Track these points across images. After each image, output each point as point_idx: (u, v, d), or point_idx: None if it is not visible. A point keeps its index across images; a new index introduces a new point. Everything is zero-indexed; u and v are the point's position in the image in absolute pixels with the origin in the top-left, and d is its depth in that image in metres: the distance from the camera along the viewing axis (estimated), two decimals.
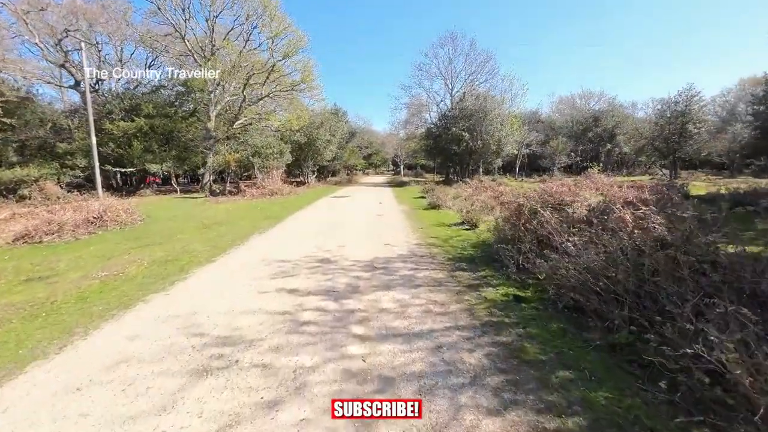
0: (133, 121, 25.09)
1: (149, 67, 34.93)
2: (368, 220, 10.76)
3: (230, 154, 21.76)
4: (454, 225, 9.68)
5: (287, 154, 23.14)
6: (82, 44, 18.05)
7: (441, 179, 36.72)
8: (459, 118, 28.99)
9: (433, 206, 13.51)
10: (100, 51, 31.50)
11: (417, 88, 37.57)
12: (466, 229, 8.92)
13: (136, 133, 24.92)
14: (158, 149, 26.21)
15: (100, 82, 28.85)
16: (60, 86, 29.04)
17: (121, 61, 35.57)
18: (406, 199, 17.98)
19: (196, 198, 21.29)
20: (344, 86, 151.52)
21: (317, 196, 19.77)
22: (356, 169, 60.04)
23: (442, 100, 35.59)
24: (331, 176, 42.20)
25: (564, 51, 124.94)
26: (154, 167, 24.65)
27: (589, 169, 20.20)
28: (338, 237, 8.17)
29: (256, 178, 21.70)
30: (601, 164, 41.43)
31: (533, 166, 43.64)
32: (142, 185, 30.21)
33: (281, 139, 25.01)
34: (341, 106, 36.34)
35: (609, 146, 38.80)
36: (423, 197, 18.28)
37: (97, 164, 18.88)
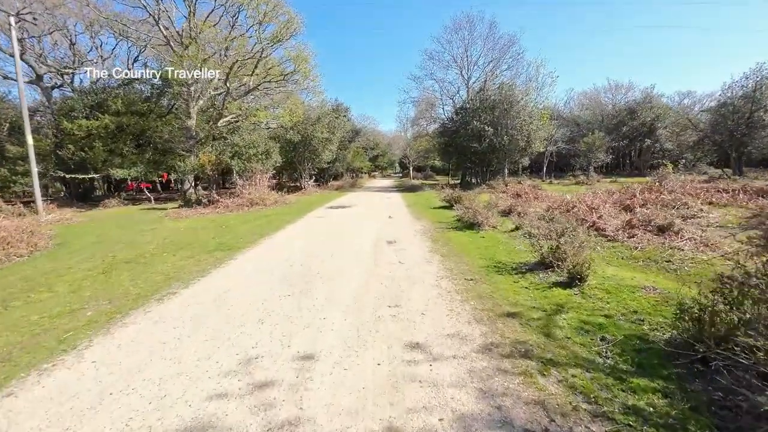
0: (97, 119, 21.35)
1: (135, 61, 31.58)
2: (371, 261, 6.48)
3: (204, 155, 17.77)
4: (525, 267, 5.38)
5: (275, 155, 19.08)
6: (11, 19, 14.22)
7: (456, 182, 32.37)
8: (480, 110, 24.65)
9: (468, 224, 9.20)
10: (73, 42, 28.08)
11: (428, 79, 33.36)
12: (562, 285, 4.60)
13: (100, 133, 21.15)
14: (128, 152, 22.41)
15: (64, 76, 25.26)
16: (27, 82, 25.45)
17: (101, 56, 32.22)
18: (422, 210, 13.70)
19: (164, 209, 17.36)
20: (348, 86, 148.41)
21: (309, 207, 15.60)
22: (362, 172, 56.05)
23: (457, 93, 31.35)
24: (333, 180, 38.13)
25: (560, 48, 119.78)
26: (120, 172, 20.81)
27: (660, 168, 15.69)
28: (308, 318, 3.92)
29: (236, 184, 17.63)
30: (634, 162, 36.54)
31: (558, 165, 38.99)
32: (116, 193, 26.51)
33: (272, 137, 20.99)
34: (343, 102, 32.28)
35: (648, 142, 33.94)
36: (446, 207, 13.98)
37: (35, 170, 15.03)
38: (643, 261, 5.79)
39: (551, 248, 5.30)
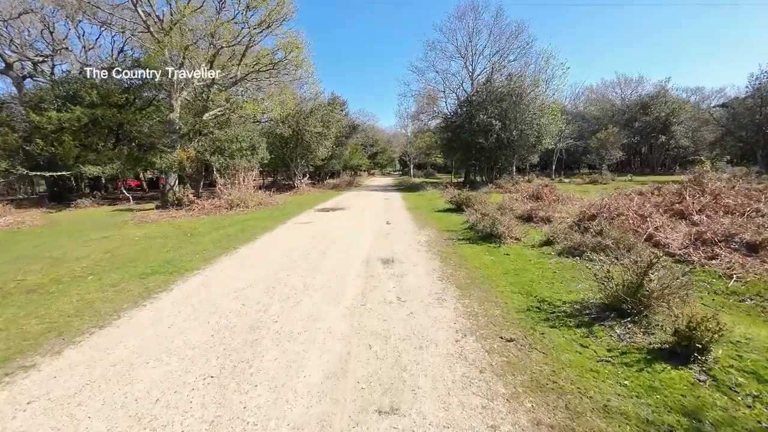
0: (69, 111, 19.49)
1: (120, 51, 29.80)
2: (358, 297, 4.68)
3: (182, 151, 15.95)
4: (587, 313, 3.58)
5: (262, 151, 17.25)
6: None
7: (459, 180, 30.58)
8: (486, 103, 22.78)
9: (484, 235, 7.38)
10: (51, 30, 26.21)
11: (430, 71, 31.43)
12: (665, 354, 2.79)
13: (71, 127, 19.30)
14: (103, 147, 20.58)
15: (37, 66, 23.35)
16: None
17: (84, 46, 30.43)
18: (425, 214, 11.88)
19: (132, 210, 15.60)
20: (347, 82, 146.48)
21: (296, 210, 13.78)
22: (360, 170, 54.26)
23: (460, 86, 29.41)
24: (330, 178, 36.31)
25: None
26: (93, 170, 18.94)
27: (699, 165, 13.84)
28: None
29: (217, 182, 15.78)
30: (646, 159, 34.73)
31: (567, 163, 37.13)
32: (93, 192, 24.62)
33: (264, 133, 19.16)
34: (340, 96, 30.36)
35: (662, 138, 32.04)
36: (452, 210, 12.18)
37: None
38: (751, 299, 3.98)
39: (628, 285, 3.48)
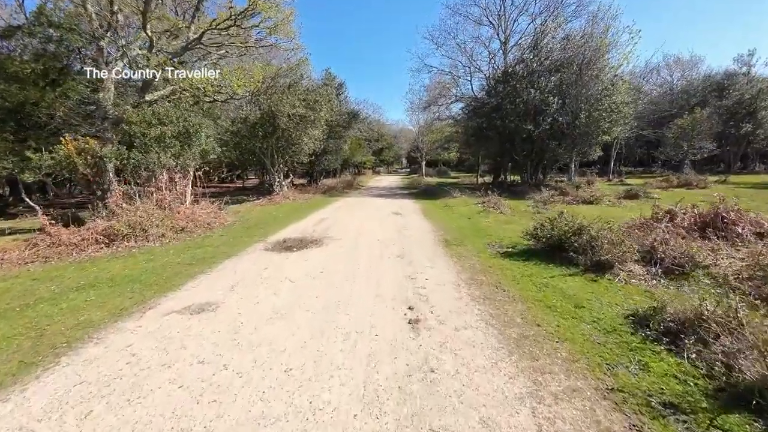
0: None
1: None
2: None
3: (70, 141, 9.77)
4: None
5: (207, 142, 11.00)
6: None
7: (486, 181, 24.08)
8: (536, 75, 16.23)
9: None
10: None
11: (450, 44, 24.93)
12: None
13: None
14: None
15: None
16: None
17: (27, 18, 24.24)
18: (490, 268, 5.38)
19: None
20: (350, 78, 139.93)
21: (233, 248, 7.42)
22: (365, 167, 47.82)
23: (491, 59, 22.77)
24: (327, 177, 30.04)
25: None
26: None
27: None
28: None
29: (112, 193, 9.50)
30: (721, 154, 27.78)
31: (619, 157, 30.32)
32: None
33: (202, 112, 12.93)
34: (338, 75, 23.93)
35: (747, 127, 25.09)
36: (534, 252, 5.71)
37: None
38: None
39: None
